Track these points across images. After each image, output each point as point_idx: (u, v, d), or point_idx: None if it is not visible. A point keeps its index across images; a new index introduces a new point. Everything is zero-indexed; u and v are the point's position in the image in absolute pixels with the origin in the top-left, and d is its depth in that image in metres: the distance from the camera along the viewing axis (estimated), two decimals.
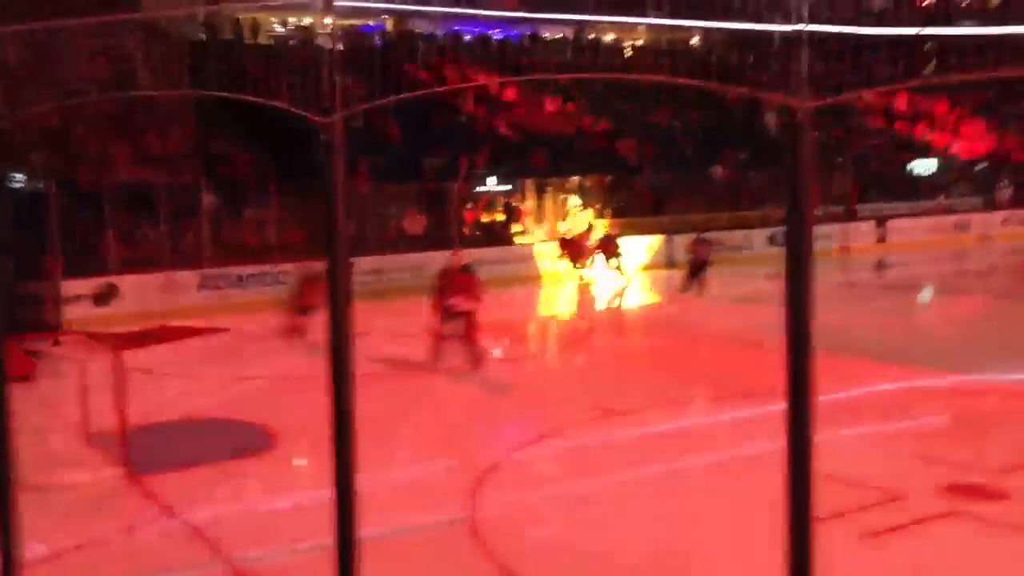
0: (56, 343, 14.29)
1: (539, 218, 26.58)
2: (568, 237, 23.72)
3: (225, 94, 4.36)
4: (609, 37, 34.53)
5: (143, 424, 10.00)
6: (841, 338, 13.20)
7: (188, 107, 23.87)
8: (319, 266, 16.20)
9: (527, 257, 24.16)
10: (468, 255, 14.81)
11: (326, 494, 4.83)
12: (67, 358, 10.57)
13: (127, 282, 19.04)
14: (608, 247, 22.97)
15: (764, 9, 3.52)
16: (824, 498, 4.61)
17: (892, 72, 3.53)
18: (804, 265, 3.59)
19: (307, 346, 14.50)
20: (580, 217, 26.22)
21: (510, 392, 12.13)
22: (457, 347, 12.95)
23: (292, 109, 4.02)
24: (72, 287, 18.40)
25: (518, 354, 14.60)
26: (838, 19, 3.78)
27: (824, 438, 4.44)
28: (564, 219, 26.56)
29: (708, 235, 21.60)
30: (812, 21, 3.64)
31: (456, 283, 13.14)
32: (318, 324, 14.61)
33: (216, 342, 16.21)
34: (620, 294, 21.33)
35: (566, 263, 23.15)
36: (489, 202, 26.63)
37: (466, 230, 25.01)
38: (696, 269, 20.58)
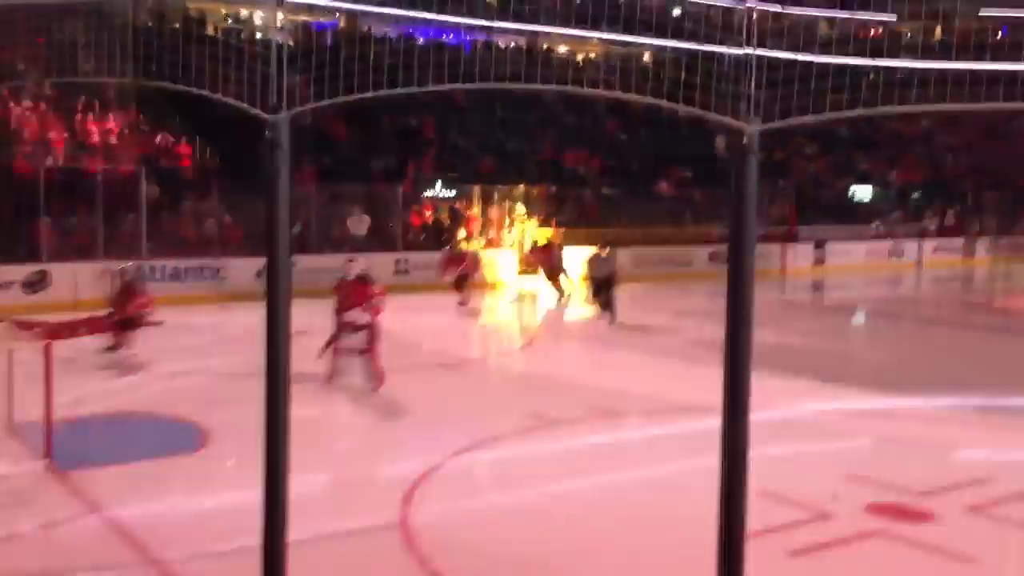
0: None
1: (485, 225, 26.59)
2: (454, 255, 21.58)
3: (170, 85, 4.28)
4: (563, 49, 34.75)
5: (69, 417, 9.75)
6: (775, 357, 13.40)
7: (131, 96, 23.45)
8: (136, 268, 14.86)
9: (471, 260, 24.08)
10: (364, 262, 13.75)
11: (257, 496, 4.75)
12: None
13: (59, 270, 18.59)
14: (548, 258, 22.49)
15: (716, 32, 3.56)
16: (754, 514, 4.67)
17: (837, 100, 3.59)
18: (745, 285, 3.64)
19: (120, 367, 13.18)
20: (522, 227, 26.29)
21: (447, 398, 12.08)
22: (358, 362, 12.16)
23: (238, 105, 3.95)
24: (2, 273, 17.91)
25: (456, 360, 14.55)
26: (786, 46, 3.84)
27: (756, 455, 4.50)
28: (510, 227, 26.61)
29: (607, 250, 19.06)
30: (760, 47, 3.70)
31: (353, 295, 12.17)
32: (138, 338, 13.71)
33: (149, 336, 15.87)
34: (562, 305, 21.27)
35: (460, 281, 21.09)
36: (435, 207, 26.59)
37: (412, 234, 24.94)
38: (597, 289, 18.53)
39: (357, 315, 12.05)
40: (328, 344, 12.31)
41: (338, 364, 12.29)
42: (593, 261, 19.34)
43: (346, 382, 12.25)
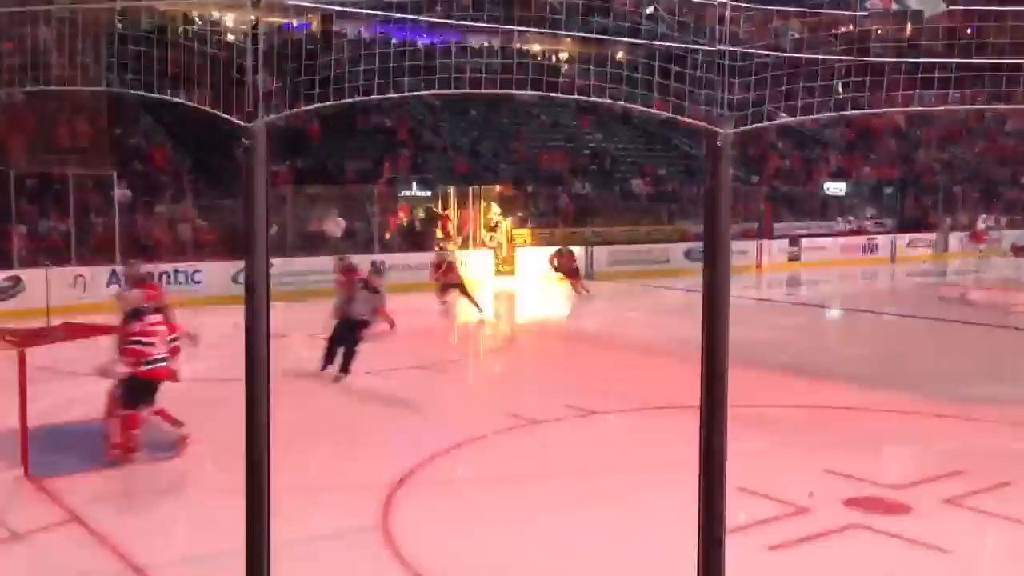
0: None
1: (461, 225, 26.61)
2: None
3: (144, 93, 4.25)
4: (536, 48, 34.76)
5: (45, 424, 9.67)
6: (752, 352, 13.50)
7: (101, 98, 23.25)
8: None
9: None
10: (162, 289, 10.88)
11: (237, 499, 4.74)
12: None
13: (32, 276, 18.42)
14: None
15: (689, 33, 3.58)
16: (732, 510, 4.71)
17: (809, 100, 3.62)
18: (720, 285, 3.67)
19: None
20: (505, 226, 26.36)
21: (426, 399, 12.07)
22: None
23: (214, 112, 3.93)
24: None
25: (434, 361, 14.55)
26: (759, 44, 3.88)
27: (733, 450, 4.53)
28: (489, 228, 26.64)
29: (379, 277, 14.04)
30: (733, 45, 3.73)
31: (120, 335, 9.27)
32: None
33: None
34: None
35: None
36: (411, 207, 26.58)
37: (388, 234, 24.92)
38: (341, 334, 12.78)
39: (110, 366, 9.20)
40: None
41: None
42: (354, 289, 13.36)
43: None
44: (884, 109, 3.81)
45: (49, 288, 17.92)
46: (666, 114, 3.61)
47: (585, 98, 3.91)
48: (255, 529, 4.58)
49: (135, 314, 9.25)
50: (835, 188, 35.36)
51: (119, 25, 5.18)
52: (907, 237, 32.90)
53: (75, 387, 12.39)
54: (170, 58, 4.49)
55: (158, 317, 9.45)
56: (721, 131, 3.25)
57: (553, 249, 23.27)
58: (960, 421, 11.07)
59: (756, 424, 10.00)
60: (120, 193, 21.03)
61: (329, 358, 12.86)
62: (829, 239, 31.57)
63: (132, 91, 4.30)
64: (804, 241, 30.58)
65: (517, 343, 16.64)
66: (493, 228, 26.20)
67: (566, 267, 22.46)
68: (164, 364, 9.21)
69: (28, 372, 8.90)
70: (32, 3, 5.18)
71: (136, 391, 8.96)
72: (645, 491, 8.47)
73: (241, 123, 3.80)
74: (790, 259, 29.95)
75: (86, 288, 18.91)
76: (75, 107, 23.81)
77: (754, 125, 3.42)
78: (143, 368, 8.95)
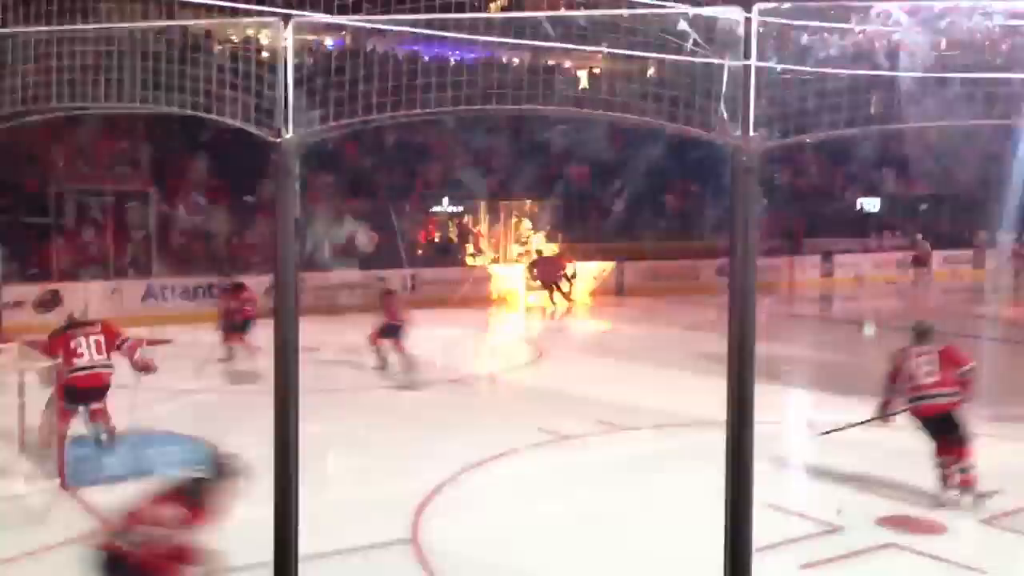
0: None
1: (492, 240, 26.67)
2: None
3: (177, 111, 4.33)
4: (566, 64, 34.82)
5: (81, 436, 9.80)
6: (783, 368, 13.39)
7: (137, 114, 23.62)
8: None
9: (479, 278, 24.21)
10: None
11: (267, 512, 4.78)
12: (5, 365, 10.32)
13: (70, 290, 18.69)
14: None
15: (716, 47, 3.60)
16: (764, 528, 4.68)
17: (837, 116, 3.62)
18: (747, 303, 3.66)
19: None
20: (534, 240, 26.40)
21: (457, 413, 12.10)
22: None
23: (245, 127, 4.00)
24: (13, 293, 18.03)
25: (465, 375, 14.57)
26: (789, 59, 3.88)
27: (764, 468, 4.51)
28: (518, 242, 26.69)
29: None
30: (761, 60, 3.73)
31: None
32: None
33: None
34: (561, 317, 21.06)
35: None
36: (442, 222, 26.69)
37: (419, 250, 25.03)
38: None
39: None
40: None
41: None
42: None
43: None
44: (915, 124, 3.79)
45: (87, 302, 18.17)
46: (692, 130, 3.62)
47: (610, 115, 3.93)
48: (283, 541, 4.62)
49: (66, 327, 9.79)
50: (869, 204, 34.99)
51: (155, 44, 5.28)
52: (943, 253, 32.42)
53: (110, 399, 12.56)
54: (205, 76, 4.58)
55: (87, 328, 9.82)
56: (748, 147, 3.25)
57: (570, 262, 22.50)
58: (996, 439, 10.90)
59: (789, 441, 9.91)
60: (157, 208, 21.32)
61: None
62: (862, 255, 31.24)
63: (167, 107, 4.38)
64: (836, 257, 30.29)
65: (548, 357, 16.62)
66: (525, 242, 26.18)
67: (548, 276, 21.12)
68: (90, 372, 9.59)
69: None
70: (71, 24, 5.30)
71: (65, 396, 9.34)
72: (675, 507, 8.42)
73: (271, 139, 3.86)
74: (822, 275, 29.68)
75: (123, 301, 19.17)
76: (112, 125, 24.17)
77: (780, 142, 3.42)
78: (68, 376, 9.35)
